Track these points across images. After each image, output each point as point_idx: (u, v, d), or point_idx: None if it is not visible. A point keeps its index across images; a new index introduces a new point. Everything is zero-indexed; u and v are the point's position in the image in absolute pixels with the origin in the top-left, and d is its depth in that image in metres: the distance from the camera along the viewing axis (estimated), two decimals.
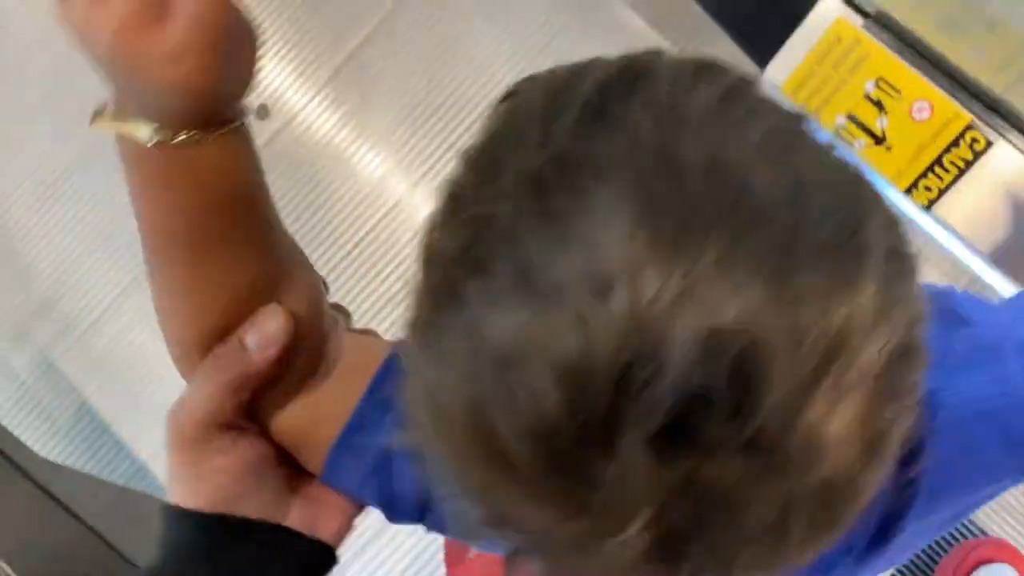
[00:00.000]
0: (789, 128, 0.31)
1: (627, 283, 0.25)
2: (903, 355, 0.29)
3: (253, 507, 0.43)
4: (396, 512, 0.46)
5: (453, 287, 0.28)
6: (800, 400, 0.26)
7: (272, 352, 0.41)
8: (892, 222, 0.31)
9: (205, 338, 0.42)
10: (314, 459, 0.45)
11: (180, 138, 0.36)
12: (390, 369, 0.44)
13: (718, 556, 0.28)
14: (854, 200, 0.30)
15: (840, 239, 0.28)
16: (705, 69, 0.30)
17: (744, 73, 0.32)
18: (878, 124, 0.99)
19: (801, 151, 0.30)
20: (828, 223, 0.28)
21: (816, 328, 0.26)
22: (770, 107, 0.31)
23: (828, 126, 1.03)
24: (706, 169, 0.27)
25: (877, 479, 0.30)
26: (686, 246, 0.26)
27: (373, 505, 0.47)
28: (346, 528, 0.46)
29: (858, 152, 1.02)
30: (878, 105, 0.98)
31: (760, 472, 0.27)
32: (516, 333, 0.26)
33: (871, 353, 0.27)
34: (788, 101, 0.33)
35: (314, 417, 0.45)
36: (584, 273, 0.26)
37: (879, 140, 1.00)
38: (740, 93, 0.30)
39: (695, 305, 0.25)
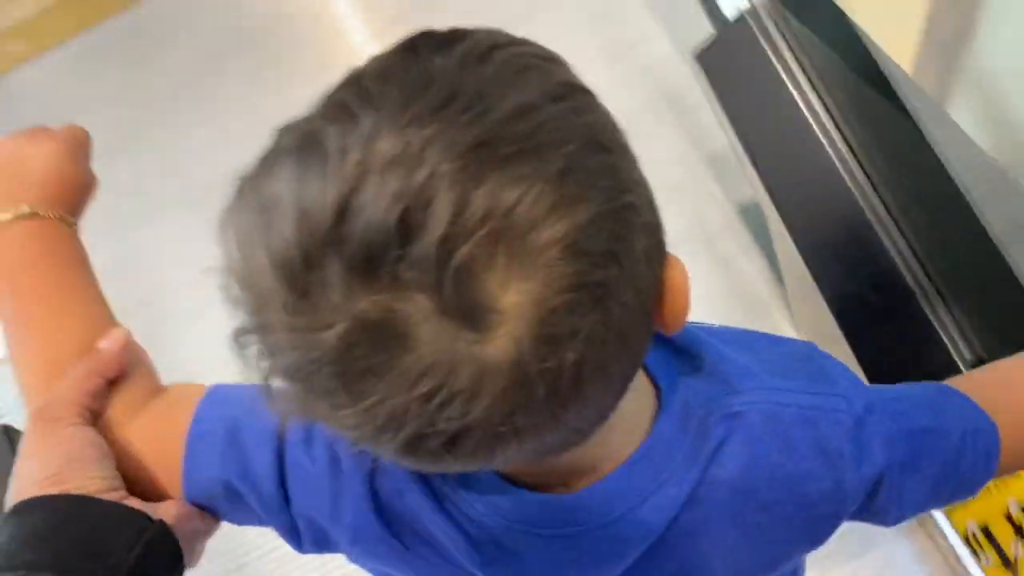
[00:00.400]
0: (563, 84, 0.38)
1: (360, 153, 0.33)
2: (586, 253, 0.34)
3: (97, 475, 0.50)
4: (261, 493, 0.52)
5: (267, 158, 0.37)
6: (460, 253, 0.33)
7: (119, 344, 0.54)
8: (620, 168, 0.38)
9: (56, 365, 0.54)
10: (167, 464, 0.53)
11: (58, 216, 0.58)
12: (216, 391, 0.55)
13: (393, 388, 0.34)
14: (583, 131, 0.37)
15: (543, 149, 0.34)
16: (517, 47, 0.38)
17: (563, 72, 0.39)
18: (1012, 548, 0.92)
19: (559, 106, 0.36)
20: (546, 138, 0.35)
21: (482, 202, 0.33)
22: (556, 79, 0.38)
23: (959, 528, 0.97)
24: (455, 96, 0.35)
25: (559, 374, 0.35)
26: (407, 135, 0.33)
27: (236, 483, 0.52)
28: (187, 517, 0.52)
29: (983, 566, 0.95)
30: (1018, 530, 0.92)
31: (433, 313, 0.33)
32: (285, 192, 0.35)
33: (541, 238, 0.33)
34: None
35: (159, 429, 0.54)
36: (341, 146, 0.34)
37: (1008, 563, 0.93)
38: (539, 67, 0.38)
39: (395, 172, 0.33)
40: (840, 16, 1.06)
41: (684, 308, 0.41)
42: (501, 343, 0.34)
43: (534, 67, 0.37)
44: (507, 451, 0.38)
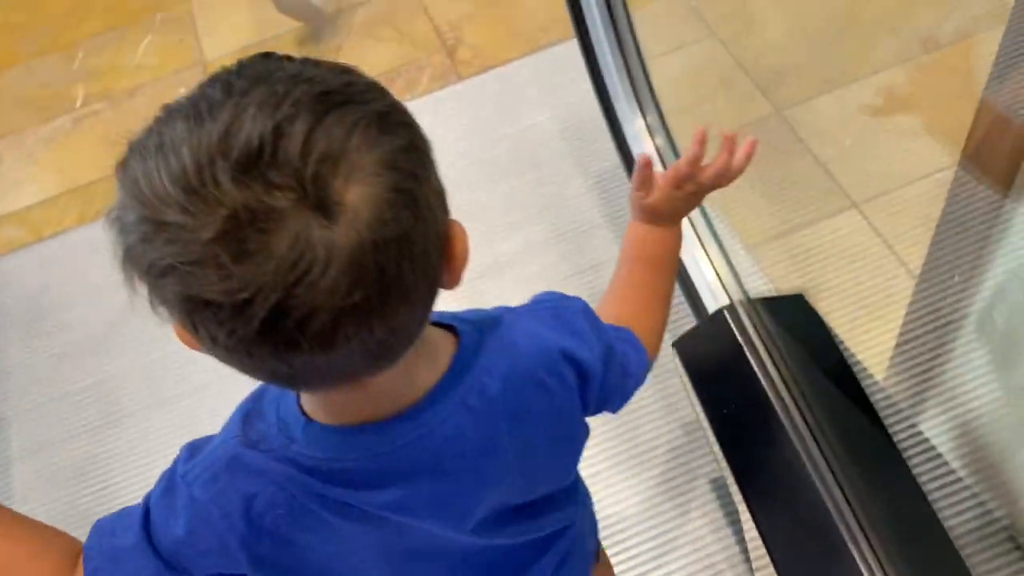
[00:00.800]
0: (375, 81, 0.54)
1: (238, 99, 0.48)
2: (395, 180, 0.49)
3: None
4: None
5: (157, 125, 0.50)
6: (308, 163, 0.46)
7: None
8: (412, 131, 0.53)
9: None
10: None
11: None
12: (87, 548, 0.63)
13: (264, 260, 0.46)
14: (392, 100, 0.53)
15: (368, 101, 0.50)
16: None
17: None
18: None
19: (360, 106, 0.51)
20: (362, 104, 0.50)
21: (328, 129, 0.47)
22: (370, 77, 0.54)
23: None
24: (301, 74, 0.50)
25: (386, 259, 0.48)
26: (272, 89, 0.48)
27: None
28: None
29: None
30: None
31: (296, 205, 0.46)
32: (179, 136, 0.47)
33: (369, 155, 0.48)
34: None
35: None
36: (222, 98, 0.48)
37: None
38: (356, 69, 0.54)
39: (265, 108, 0.47)
40: (816, 320, 1.09)
41: (463, 261, 0.56)
42: (345, 228, 0.47)
43: (353, 69, 0.54)
44: (347, 340, 0.49)
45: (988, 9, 1.89)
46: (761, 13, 2.09)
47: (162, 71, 2.19)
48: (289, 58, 0.53)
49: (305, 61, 0.52)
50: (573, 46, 1.71)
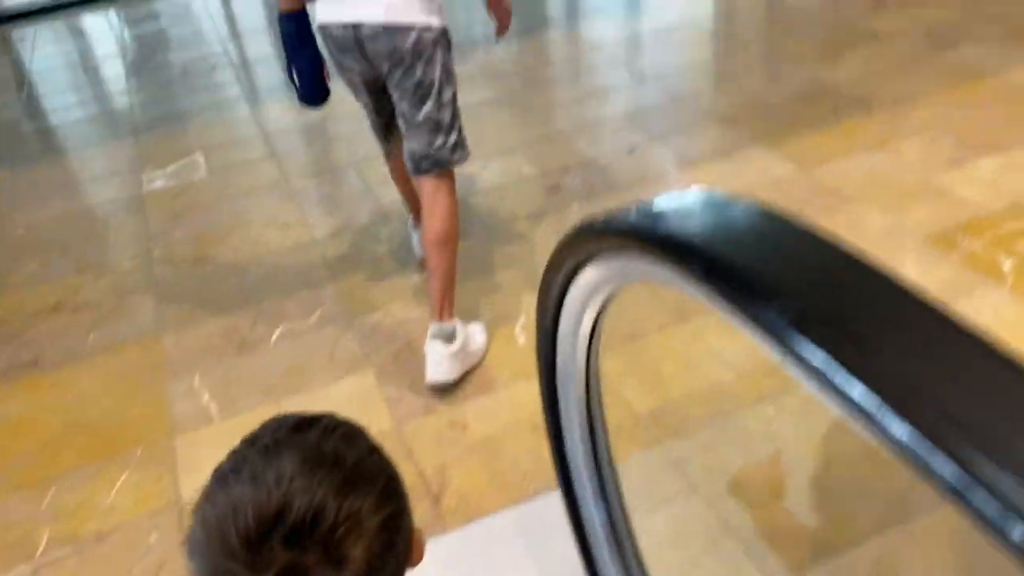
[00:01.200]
0: (373, 445, 0.83)
1: (287, 482, 0.73)
2: (387, 536, 0.76)
3: None
4: None
5: (218, 481, 0.76)
6: (336, 534, 0.72)
7: None
8: (397, 502, 0.81)
9: None
10: None
11: None
12: None
13: None
14: (387, 470, 0.83)
15: (372, 480, 0.78)
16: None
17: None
18: None
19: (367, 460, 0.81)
20: (371, 482, 0.78)
21: (347, 506, 0.73)
22: (370, 441, 0.84)
23: None
24: (325, 454, 0.78)
25: None
26: (309, 476, 0.74)
27: None
28: None
29: None
30: None
31: (318, 562, 0.71)
32: (244, 500, 0.72)
33: (371, 522, 0.74)
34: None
35: None
36: (276, 476, 0.73)
37: None
38: (359, 432, 0.85)
39: (304, 499, 0.72)
40: None
41: (421, 553, 0.85)
42: (349, 573, 0.73)
43: (359, 436, 0.82)
44: None
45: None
46: (741, 470, 2.14)
47: (135, 512, 2.11)
48: (310, 425, 0.80)
49: (322, 434, 0.79)
50: (557, 496, 1.69)
